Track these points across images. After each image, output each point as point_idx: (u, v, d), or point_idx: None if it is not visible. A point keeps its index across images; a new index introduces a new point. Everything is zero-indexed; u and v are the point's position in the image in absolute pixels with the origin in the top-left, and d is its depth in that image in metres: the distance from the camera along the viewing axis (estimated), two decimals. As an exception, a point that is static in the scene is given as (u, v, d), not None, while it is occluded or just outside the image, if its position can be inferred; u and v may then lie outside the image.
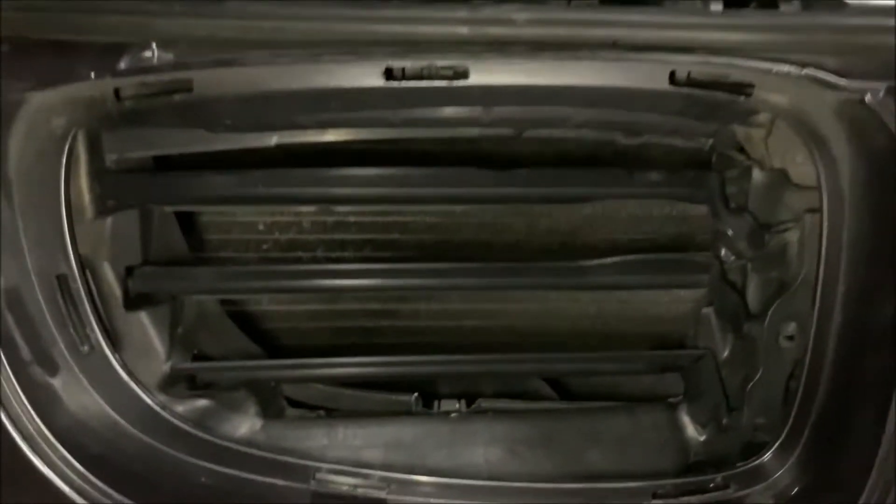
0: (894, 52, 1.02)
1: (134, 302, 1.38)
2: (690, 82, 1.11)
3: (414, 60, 1.08)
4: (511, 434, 1.48)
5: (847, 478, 1.19)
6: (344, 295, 1.64)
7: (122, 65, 1.06)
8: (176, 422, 1.31)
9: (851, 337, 1.20)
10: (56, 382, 1.20)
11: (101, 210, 1.33)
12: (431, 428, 1.49)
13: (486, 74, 1.10)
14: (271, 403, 1.56)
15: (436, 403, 1.61)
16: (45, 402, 1.16)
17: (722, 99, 1.13)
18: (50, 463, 1.13)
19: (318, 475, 1.30)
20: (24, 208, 1.15)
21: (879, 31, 1.02)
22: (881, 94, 1.03)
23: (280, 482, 1.29)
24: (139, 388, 1.30)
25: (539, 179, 1.43)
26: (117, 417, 1.25)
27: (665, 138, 1.44)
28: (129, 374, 1.29)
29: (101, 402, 1.24)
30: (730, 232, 1.43)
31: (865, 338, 1.19)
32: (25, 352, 1.17)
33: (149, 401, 1.30)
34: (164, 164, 1.47)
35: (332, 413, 1.60)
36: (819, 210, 1.21)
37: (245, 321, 1.67)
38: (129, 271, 1.38)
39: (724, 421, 1.43)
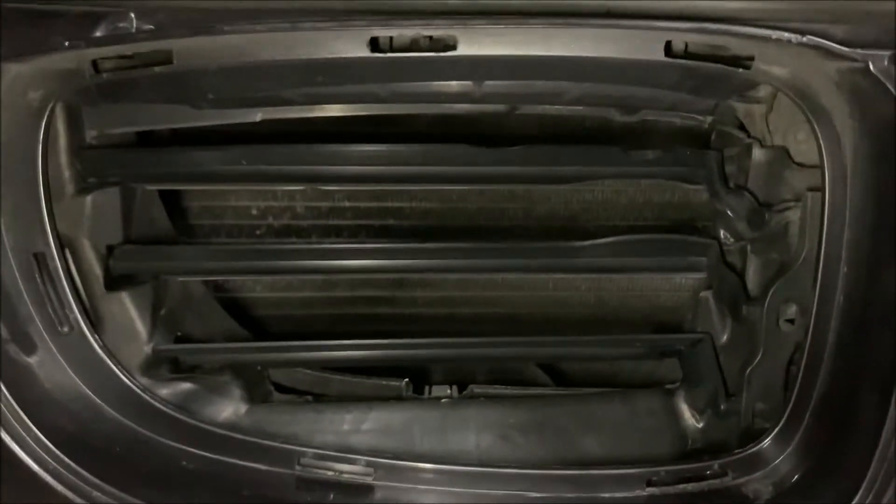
0: (899, 17, 0.98)
1: (115, 282, 1.35)
2: (688, 55, 1.08)
3: (399, 29, 1.04)
4: (504, 420, 1.45)
5: (848, 464, 1.15)
6: (338, 282, 1.62)
7: (99, 33, 1.04)
8: (157, 404, 1.28)
9: (853, 319, 1.16)
10: (32, 361, 1.18)
11: (82, 187, 1.31)
12: (421, 413, 1.46)
13: (475, 45, 1.07)
14: (258, 388, 1.53)
15: (427, 389, 1.57)
16: (18, 381, 1.14)
17: (720, 71, 1.09)
18: (20, 441, 1.10)
19: (303, 460, 1.26)
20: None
21: (883, -3, 0.98)
22: (885, 61, 0.99)
23: (263, 467, 1.26)
24: (119, 369, 1.27)
25: (532, 157, 1.40)
26: (95, 399, 1.22)
27: (663, 116, 1.41)
28: (110, 355, 1.26)
29: (79, 382, 1.22)
30: (729, 212, 1.39)
31: (868, 319, 1.15)
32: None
33: (129, 383, 1.27)
34: (147, 143, 1.44)
35: (320, 398, 1.57)
36: (821, 188, 1.17)
37: (236, 309, 1.64)
38: (111, 250, 1.35)
39: (723, 407, 1.39)
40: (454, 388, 1.55)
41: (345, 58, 1.08)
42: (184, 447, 1.25)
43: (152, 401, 1.28)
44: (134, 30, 1.04)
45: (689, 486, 1.26)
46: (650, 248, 1.45)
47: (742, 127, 1.36)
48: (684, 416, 1.48)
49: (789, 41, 1.00)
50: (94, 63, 1.10)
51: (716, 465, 1.27)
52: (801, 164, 1.29)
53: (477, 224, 1.60)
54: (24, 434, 1.11)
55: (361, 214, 1.58)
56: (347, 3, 1.04)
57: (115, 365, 1.27)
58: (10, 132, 1.12)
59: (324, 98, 1.33)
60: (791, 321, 1.31)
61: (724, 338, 1.44)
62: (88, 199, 1.31)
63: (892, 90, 0.99)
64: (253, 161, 1.38)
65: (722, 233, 1.44)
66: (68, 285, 1.22)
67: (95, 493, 1.13)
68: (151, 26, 1.05)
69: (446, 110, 1.39)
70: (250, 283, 1.63)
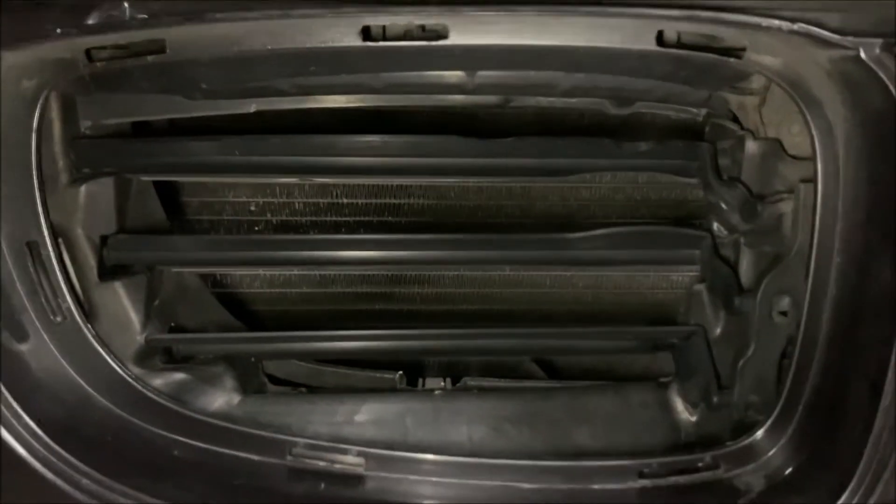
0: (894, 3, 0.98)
1: (109, 272, 1.35)
2: (680, 44, 1.07)
3: (391, 17, 1.04)
4: (496, 412, 1.44)
5: (841, 456, 1.14)
6: (336, 279, 1.61)
7: (92, 21, 1.04)
8: (149, 394, 1.28)
9: (846, 310, 1.16)
10: (24, 349, 1.18)
11: (76, 177, 1.32)
12: (414, 405, 1.45)
13: (466, 34, 1.06)
14: (252, 380, 1.53)
15: (420, 381, 1.57)
16: (10, 369, 1.14)
17: (712, 61, 1.09)
18: (11, 429, 1.10)
19: (295, 450, 1.26)
20: (-7, 172, 1.12)
21: (874, -16, 0.98)
22: (877, 49, 0.98)
23: (255, 457, 1.25)
24: (112, 359, 1.27)
25: (525, 148, 1.40)
26: (87, 388, 1.22)
27: (657, 109, 1.41)
28: (102, 344, 1.26)
29: (72, 371, 1.22)
30: (722, 204, 1.39)
31: (860, 311, 1.14)
32: (-8, 316, 1.14)
33: (121, 372, 1.27)
34: (141, 133, 1.44)
35: (314, 390, 1.57)
36: (814, 179, 1.16)
37: (234, 305, 1.64)
38: (104, 240, 1.35)
39: (715, 399, 1.38)
40: (448, 380, 1.56)
41: (337, 47, 1.08)
42: (175, 436, 1.24)
43: (144, 390, 1.28)
44: (127, 18, 1.04)
45: (681, 479, 1.25)
46: (643, 239, 1.45)
47: (735, 119, 1.36)
48: (677, 408, 1.47)
49: (780, 29, 1.00)
50: (88, 52, 1.10)
51: (708, 457, 1.27)
52: (794, 157, 1.29)
53: (475, 221, 1.60)
54: (14, 422, 1.11)
55: (359, 211, 1.58)
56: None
57: (107, 354, 1.26)
58: (4, 121, 1.12)
59: (317, 89, 1.33)
60: (784, 313, 1.30)
61: (717, 330, 1.44)
62: (82, 189, 1.31)
63: (884, 78, 0.99)
64: (247, 151, 1.38)
65: (715, 225, 1.45)
66: (61, 275, 1.22)
67: (85, 482, 1.12)
68: (144, 15, 1.05)
69: (440, 102, 1.39)
70: (248, 279, 1.63)
